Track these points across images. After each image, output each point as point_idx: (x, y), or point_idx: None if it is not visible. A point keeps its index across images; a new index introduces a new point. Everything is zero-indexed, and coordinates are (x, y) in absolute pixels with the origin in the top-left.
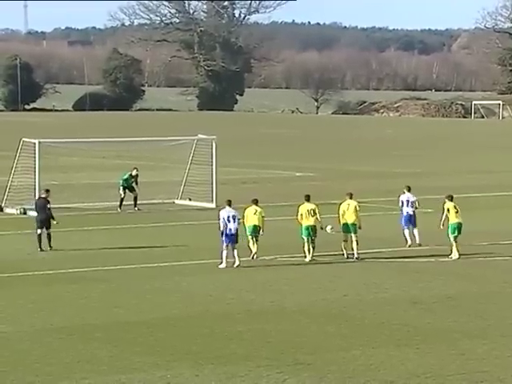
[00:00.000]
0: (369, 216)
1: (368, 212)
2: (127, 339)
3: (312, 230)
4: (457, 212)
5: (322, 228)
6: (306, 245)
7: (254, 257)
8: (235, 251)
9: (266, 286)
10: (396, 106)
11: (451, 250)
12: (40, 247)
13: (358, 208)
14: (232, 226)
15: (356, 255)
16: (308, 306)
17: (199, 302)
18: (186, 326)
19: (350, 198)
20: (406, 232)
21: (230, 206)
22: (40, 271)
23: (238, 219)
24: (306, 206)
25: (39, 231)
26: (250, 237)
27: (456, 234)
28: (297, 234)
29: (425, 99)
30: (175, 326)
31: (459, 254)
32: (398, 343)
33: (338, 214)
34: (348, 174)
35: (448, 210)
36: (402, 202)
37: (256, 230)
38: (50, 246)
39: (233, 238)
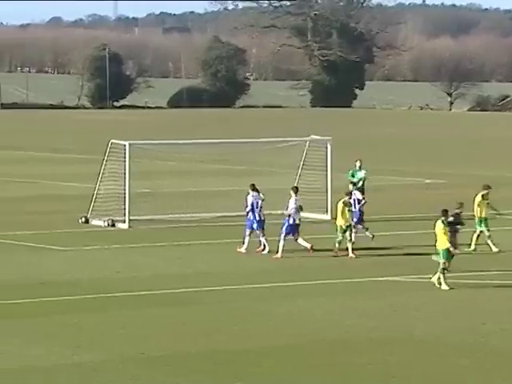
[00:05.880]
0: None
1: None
2: (229, 370)
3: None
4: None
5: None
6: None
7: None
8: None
9: (391, 310)
10: None
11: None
12: None
13: None
14: (257, 212)
15: None
16: (440, 334)
17: (313, 329)
18: (297, 356)
19: None
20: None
21: (254, 190)
22: (131, 292)
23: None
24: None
25: None
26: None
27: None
28: (427, 251)
29: None
30: (285, 355)
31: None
32: None
33: None
34: (488, 181)
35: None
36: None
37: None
38: None
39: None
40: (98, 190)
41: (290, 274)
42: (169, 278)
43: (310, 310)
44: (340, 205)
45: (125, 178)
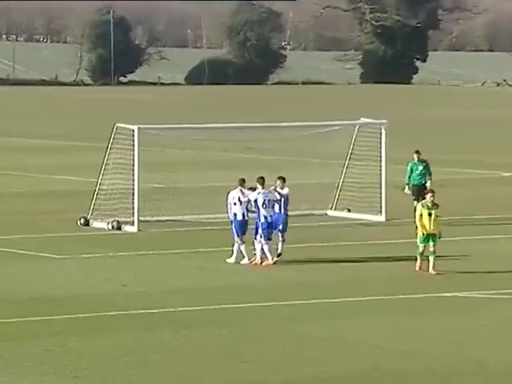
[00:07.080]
0: None
1: None
2: None
3: None
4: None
5: None
6: None
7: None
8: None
9: (457, 334)
10: None
11: None
12: None
13: None
14: (237, 210)
15: None
16: None
17: (361, 356)
18: None
19: None
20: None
21: (242, 186)
22: (140, 310)
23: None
24: None
25: None
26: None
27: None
28: (505, 262)
29: None
30: None
31: None
32: None
33: None
34: None
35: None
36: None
37: None
38: None
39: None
40: (101, 184)
41: (334, 289)
42: (185, 292)
43: (359, 333)
44: (418, 208)
45: (133, 170)
